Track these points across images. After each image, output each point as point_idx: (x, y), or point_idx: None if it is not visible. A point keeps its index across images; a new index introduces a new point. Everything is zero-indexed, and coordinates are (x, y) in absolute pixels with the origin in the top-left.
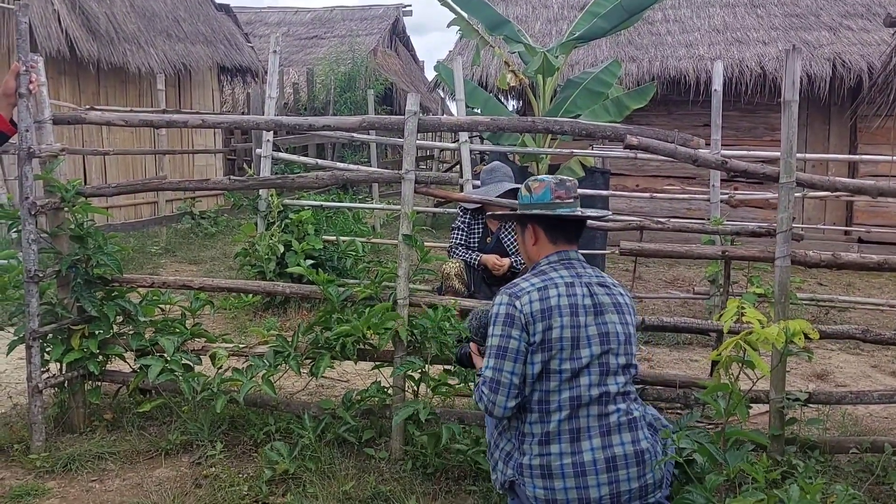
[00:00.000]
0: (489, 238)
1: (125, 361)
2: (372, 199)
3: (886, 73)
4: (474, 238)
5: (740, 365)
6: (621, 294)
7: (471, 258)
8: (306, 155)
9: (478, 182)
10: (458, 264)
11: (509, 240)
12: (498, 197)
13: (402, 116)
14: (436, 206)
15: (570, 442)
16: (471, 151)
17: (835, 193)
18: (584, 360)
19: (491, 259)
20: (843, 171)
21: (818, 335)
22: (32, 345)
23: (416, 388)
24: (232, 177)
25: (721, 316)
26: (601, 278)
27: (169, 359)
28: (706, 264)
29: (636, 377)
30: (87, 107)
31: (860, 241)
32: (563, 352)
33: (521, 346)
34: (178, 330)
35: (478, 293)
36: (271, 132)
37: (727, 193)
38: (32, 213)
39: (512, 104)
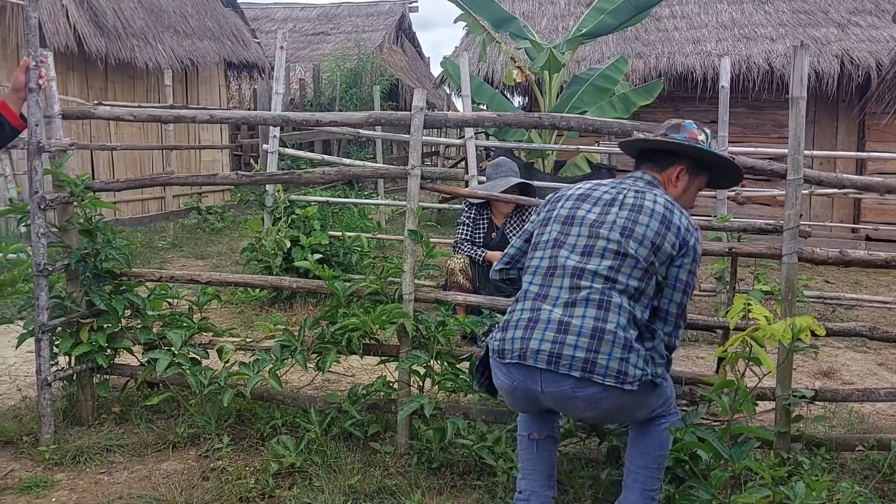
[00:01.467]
0: (494, 233)
1: (133, 355)
2: (377, 196)
3: (894, 69)
4: (479, 233)
5: (746, 361)
6: (657, 202)
7: (475, 254)
8: (312, 151)
9: (484, 178)
10: (462, 260)
11: (514, 235)
12: (504, 192)
13: (408, 112)
14: (441, 202)
15: (534, 300)
16: (476, 147)
17: (842, 191)
18: (572, 238)
19: (496, 256)
20: (852, 168)
21: (825, 332)
22: (42, 338)
23: (421, 383)
24: (239, 172)
25: (727, 312)
26: (645, 189)
27: (176, 352)
28: (712, 261)
29: (640, 287)
30: (96, 102)
31: (868, 238)
32: (554, 224)
33: (531, 227)
34: (185, 324)
35: (483, 289)
36: (278, 128)
37: (734, 190)
38: (42, 207)
39: (518, 100)
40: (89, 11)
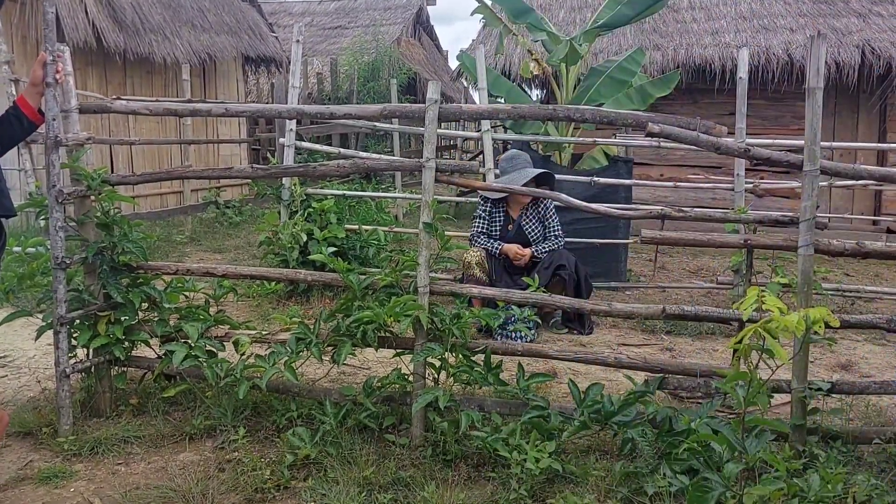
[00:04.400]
0: (511, 226)
1: (150, 347)
2: (394, 189)
3: None
4: (496, 226)
5: (759, 353)
6: None
7: (492, 247)
8: (330, 145)
9: (498, 171)
10: (479, 253)
11: (530, 227)
12: (523, 185)
13: (423, 105)
14: (459, 195)
15: None
16: (494, 140)
17: (862, 182)
18: None
19: (512, 248)
20: (873, 160)
21: (838, 323)
22: (60, 330)
23: (436, 375)
24: (254, 165)
25: (741, 304)
26: None
27: (193, 345)
28: (730, 254)
29: None
30: (114, 97)
31: (889, 231)
32: None
33: None
34: (201, 317)
35: (499, 282)
36: (294, 122)
37: (752, 183)
38: (60, 201)
39: (536, 93)
40: (108, 7)
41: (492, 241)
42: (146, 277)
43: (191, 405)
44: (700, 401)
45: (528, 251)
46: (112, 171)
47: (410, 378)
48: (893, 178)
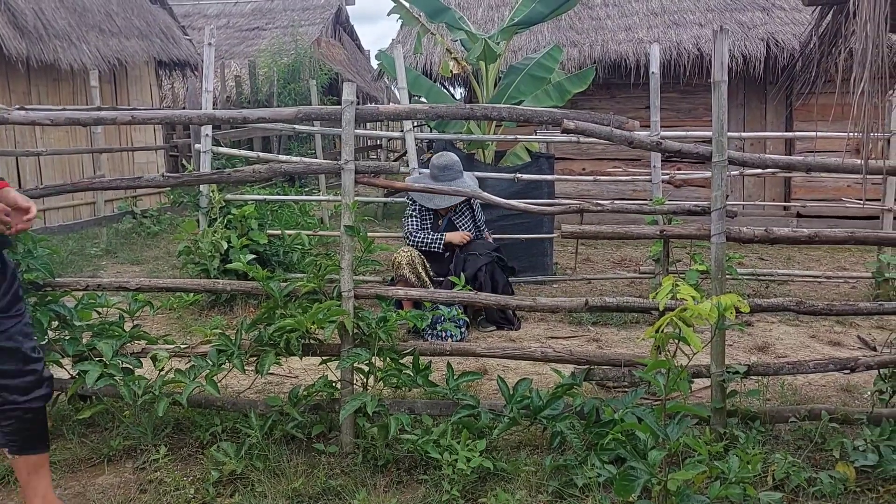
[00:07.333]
0: (441, 220)
1: (62, 368)
2: (319, 192)
3: (807, 51)
4: (427, 224)
5: (676, 341)
6: None
7: (434, 239)
8: (251, 148)
9: (425, 170)
10: (408, 253)
11: (462, 221)
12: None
13: (339, 107)
14: (386, 195)
15: None
16: (417, 140)
17: (770, 170)
18: None
19: (456, 235)
20: (781, 148)
21: (748, 308)
22: None
23: (365, 380)
24: (165, 173)
25: (657, 294)
26: None
27: (108, 363)
28: (652, 244)
29: None
30: (18, 106)
31: (799, 215)
32: None
33: None
34: (116, 333)
35: (446, 273)
36: (210, 127)
37: (669, 174)
38: None
39: (459, 91)
40: (7, 13)
41: (432, 234)
42: (55, 295)
43: (108, 426)
44: (626, 390)
45: (469, 234)
46: (20, 184)
47: (338, 385)
48: (797, 166)
